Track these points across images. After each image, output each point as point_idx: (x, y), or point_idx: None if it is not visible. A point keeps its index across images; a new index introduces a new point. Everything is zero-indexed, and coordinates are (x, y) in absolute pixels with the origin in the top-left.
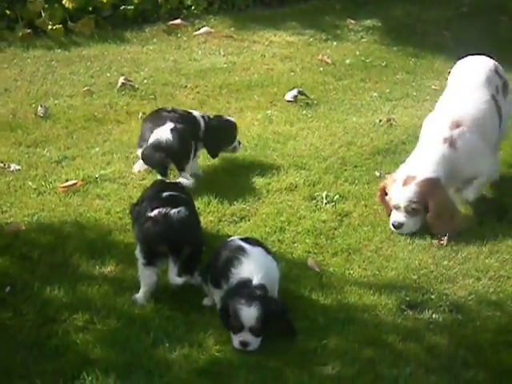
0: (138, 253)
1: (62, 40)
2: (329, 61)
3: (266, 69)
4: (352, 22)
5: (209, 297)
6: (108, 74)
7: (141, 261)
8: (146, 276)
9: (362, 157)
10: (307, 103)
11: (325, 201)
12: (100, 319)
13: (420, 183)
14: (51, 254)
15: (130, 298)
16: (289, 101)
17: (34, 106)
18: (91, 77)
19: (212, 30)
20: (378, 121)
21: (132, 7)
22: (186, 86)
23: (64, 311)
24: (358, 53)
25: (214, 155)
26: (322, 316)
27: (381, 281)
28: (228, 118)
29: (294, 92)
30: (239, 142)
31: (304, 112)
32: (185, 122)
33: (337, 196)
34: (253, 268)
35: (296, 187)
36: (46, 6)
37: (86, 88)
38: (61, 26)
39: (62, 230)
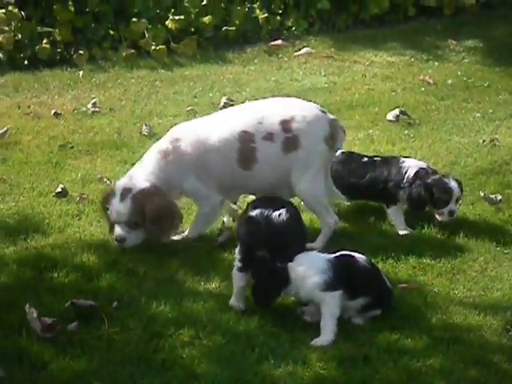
0: (236, 253)
1: (165, 60)
2: (430, 81)
3: (367, 89)
4: (453, 42)
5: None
6: (210, 94)
7: (236, 263)
8: (236, 279)
9: (465, 177)
10: (409, 123)
11: (429, 220)
12: (205, 335)
13: (135, 195)
14: (157, 270)
15: (234, 315)
16: (390, 120)
17: (138, 125)
18: (194, 97)
19: (313, 51)
20: (481, 141)
21: (233, 28)
22: None
23: (170, 326)
24: (459, 73)
25: None
26: (426, 335)
27: (486, 301)
28: None
29: (396, 112)
30: None
31: (406, 132)
32: None
33: None
34: None
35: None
36: (150, 26)
37: (189, 108)
38: (164, 46)
39: (166, 247)
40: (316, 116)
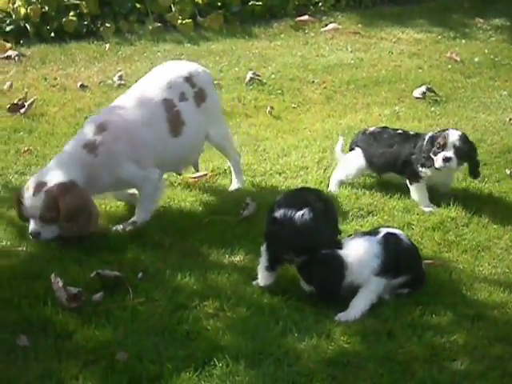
0: (263, 251)
1: (192, 34)
2: (457, 58)
3: (394, 65)
4: (480, 20)
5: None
6: (236, 69)
7: (263, 263)
8: (264, 277)
9: (491, 155)
10: (436, 100)
11: (454, 198)
12: (230, 307)
13: (49, 189)
14: (182, 243)
15: (259, 288)
16: (417, 97)
17: None
18: (220, 71)
19: (339, 27)
20: (507, 119)
21: (260, 3)
22: (313, 82)
23: (194, 298)
24: (486, 51)
25: None
26: (451, 312)
27: (511, 278)
28: None
29: (423, 89)
30: None
31: (432, 109)
32: None
33: (467, 193)
34: None
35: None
36: (176, 0)
37: (215, 82)
38: (190, 20)
39: (192, 220)
40: (204, 69)
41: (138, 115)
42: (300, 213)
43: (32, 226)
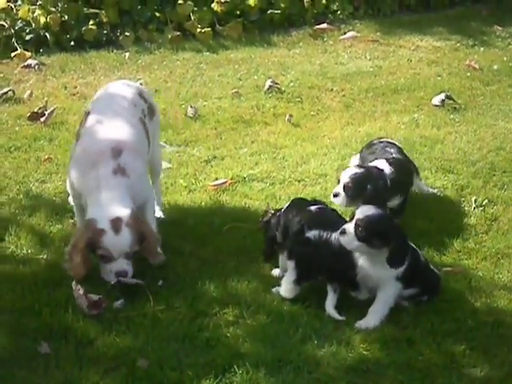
0: (291, 267)
1: (210, 43)
2: (476, 66)
3: (413, 73)
4: (499, 28)
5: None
6: (255, 77)
7: (291, 277)
8: (288, 290)
9: (511, 162)
10: (455, 108)
11: (473, 205)
12: (250, 314)
13: (129, 223)
14: (202, 250)
15: (278, 295)
16: (436, 105)
17: (183, 106)
18: (239, 79)
19: (358, 35)
20: None
21: (279, 11)
22: (332, 90)
23: (214, 305)
24: (505, 59)
25: None
26: (470, 319)
27: None
28: None
29: (442, 96)
30: None
31: (451, 116)
32: None
33: (486, 201)
34: None
35: (444, 191)
36: (195, 9)
37: (234, 90)
38: (209, 29)
39: (211, 227)
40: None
41: (133, 134)
42: (336, 235)
43: (119, 265)
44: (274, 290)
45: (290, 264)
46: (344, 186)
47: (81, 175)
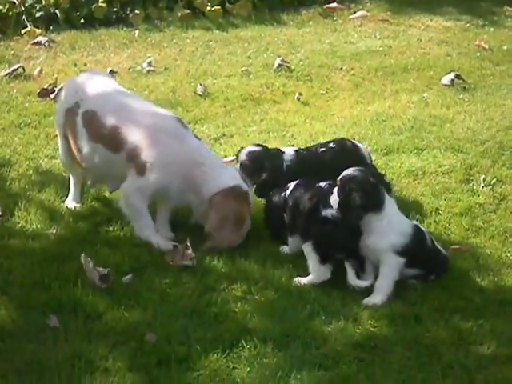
0: (309, 249)
1: (220, 21)
2: (486, 46)
3: (422, 52)
4: (509, 8)
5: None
6: (265, 55)
7: (315, 260)
8: (322, 272)
9: None
10: (464, 87)
11: (482, 184)
12: (258, 290)
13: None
14: None
15: (287, 271)
16: (445, 84)
17: (193, 84)
18: (248, 57)
19: (368, 14)
20: None
21: None
22: (341, 68)
23: (223, 281)
24: None
25: None
26: (478, 297)
27: None
28: None
29: (451, 76)
30: None
31: (461, 96)
32: None
33: (494, 180)
34: None
35: (452, 170)
36: None
37: (243, 68)
38: (219, 7)
39: None
40: None
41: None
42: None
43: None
44: (295, 280)
45: (307, 246)
46: (241, 164)
47: None
